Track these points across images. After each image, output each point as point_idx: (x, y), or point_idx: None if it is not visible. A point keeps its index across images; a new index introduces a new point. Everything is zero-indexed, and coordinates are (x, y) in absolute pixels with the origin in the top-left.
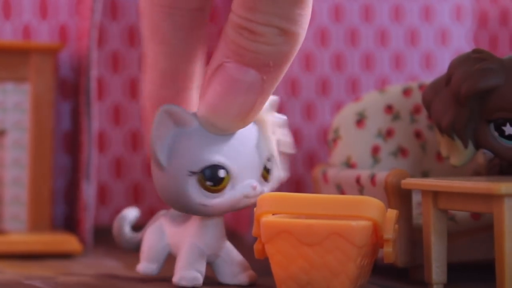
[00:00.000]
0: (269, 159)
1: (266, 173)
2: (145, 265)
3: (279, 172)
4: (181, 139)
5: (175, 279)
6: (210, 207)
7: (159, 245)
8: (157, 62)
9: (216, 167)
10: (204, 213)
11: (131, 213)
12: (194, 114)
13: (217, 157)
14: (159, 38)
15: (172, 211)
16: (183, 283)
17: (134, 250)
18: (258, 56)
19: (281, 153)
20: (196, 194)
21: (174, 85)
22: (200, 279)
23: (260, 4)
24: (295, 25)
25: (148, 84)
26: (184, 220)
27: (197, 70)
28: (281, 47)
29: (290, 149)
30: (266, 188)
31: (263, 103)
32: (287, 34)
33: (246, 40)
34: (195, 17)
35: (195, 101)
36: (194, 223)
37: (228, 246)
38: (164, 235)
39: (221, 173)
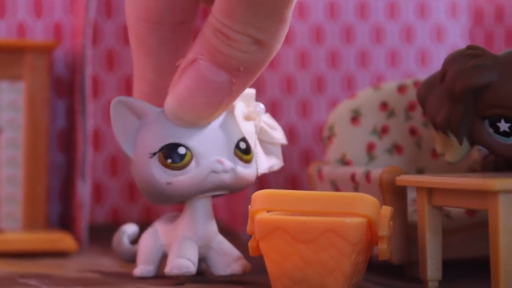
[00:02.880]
0: (242, 140)
1: (241, 153)
2: (142, 268)
3: (271, 161)
4: (142, 129)
5: (167, 269)
6: (175, 184)
7: (154, 246)
8: (145, 73)
9: (174, 145)
10: (173, 193)
11: (131, 228)
12: (153, 107)
13: (176, 137)
14: (145, 51)
15: (168, 215)
16: (175, 271)
17: (132, 261)
18: (231, 60)
19: (271, 143)
20: (160, 174)
21: (161, 96)
22: (191, 266)
23: (237, 13)
24: (270, 37)
25: (137, 94)
26: (176, 218)
27: None
28: (253, 55)
29: (279, 139)
30: (247, 169)
31: (229, 103)
32: (261, 44)
33: (220, 43)
34: (179, 31)
35: None
36: (183, 217)
37: (220, 238)
38: (158, 237)
39: (181, 150)
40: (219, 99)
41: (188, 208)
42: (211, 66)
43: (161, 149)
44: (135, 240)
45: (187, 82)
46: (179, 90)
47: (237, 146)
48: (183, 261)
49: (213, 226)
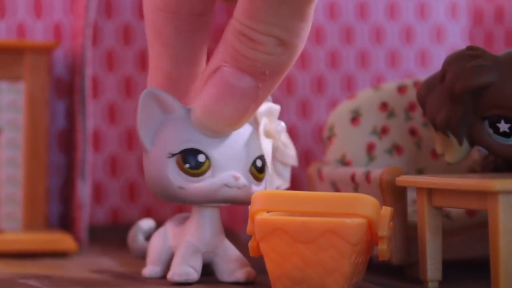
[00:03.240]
0: (259, 158)
1: (256, 171)
2: (150, 268)
3: (278, 181)
4: (166, 125)
5: (169, 275)
6: (187, 190)
7: (163, 247)
8: (161, 64)
9: (195, 151)
10: (183, 198)
11: (147, 224)
12: (184, 106)
13: (198, 142)
14: (161, 41)
15: (179, 215)
16: (176, 278)
17: (144, 258)
18: (256, 63)
19: (282, 163)
20: (175, 176)
21: (177, 87)
22: (193, 274)
23: (262, 13)
24: (295, 37)
25: (152, 83)
26: (185, 220)
27: (200, 73)
28: (279, 57)
29: (292, 160)
30: (257, 187)
31: (256, 109)
32: (286, 45)
33: (245, 47)
34: (197, 22)
35: None
36: (191, 221)
37: (226, 243)
38: (167, 238)
39: (201, 158)
40: (245, 105)
41: (196, 214)
42: (236, 72)
43: (181, 152)
44: (150, 236)
45: (211, 90)
46: (204, 99)
47: (254, 163)
48: (186, 268)
49: (220, 232)
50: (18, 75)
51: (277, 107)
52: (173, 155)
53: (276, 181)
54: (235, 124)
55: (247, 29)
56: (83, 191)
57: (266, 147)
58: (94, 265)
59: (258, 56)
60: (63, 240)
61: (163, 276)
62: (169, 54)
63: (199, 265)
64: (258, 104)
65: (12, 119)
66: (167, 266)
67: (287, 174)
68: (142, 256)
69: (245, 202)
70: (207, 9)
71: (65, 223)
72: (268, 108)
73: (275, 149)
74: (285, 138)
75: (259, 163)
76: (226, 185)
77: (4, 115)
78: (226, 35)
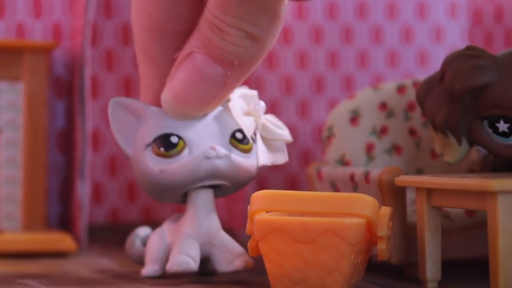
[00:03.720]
0: (238, 131)
1: (237, 142)
2: (149, 267)
3: (275, 156)
4: (139, 127)
5: (167, 266)
6: (168, 172)
7: (160, 246)
8: (149, 81)
9: (167, 135)
10: (167, 181)
11: (144, 231)
12: (148, 106)
13: (168, 127)
14: (149, 60)
15: (175, 215)
16: (174, 268)
17: (142, 262)
18: (225, 53)
19: (276, 140)
20: (153, 163)
21: None
22: (191, 263)
23: (231, 7)
24: (263, 32)
25: (144, 101)
26: (181, 218)
27: None
28: (247, 50)
29: (283, 136)
30: (246, 159)
31: (224, 96)
32: (254, 39)
33: (215, 36)
34: (182, 40)
35: None
36: (186, 215)
37: (223, 234)
38: (164, 236)
39: (173, 139)
40: (213, 92)
41: (189, 204)
42: (206, 59)
43: (154, 140)
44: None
45: (182, 75)
46: (175, 82)
47: (233, 135)
48: (183, 258)
49: (216, 222)
50: (18, 75)
51: (253, 92)
52: (148, 145)
53: (273, 155)
54: (202, 109)
55: (218, 20)
56: (83, 191)
57: (246, 122)
58: (94, 265)
59: (227, 46)
60: (62, 240)
61: (162, 275)
62: (157, 72)
63: (197, 255)
64: (226, 92)
65: (11, 119)
66: (166, 264)
67: (283, 148)
68: (140, 262)
69: (234, 176)
70: (192, 26)
71: (65, 223)
72: (242, 93)
73: (263, 129)
74: (272, 118)
75: (239, 135)
76: (206, 157)
77: (4, 115)
78: (200, 24)
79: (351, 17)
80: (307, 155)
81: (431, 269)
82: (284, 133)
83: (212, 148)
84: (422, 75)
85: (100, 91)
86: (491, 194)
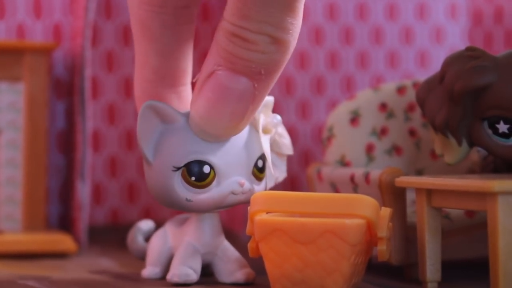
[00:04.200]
0: (260, 158)
1: (257, 172)
2: (150, 269)
3: (276, 172)
4: (167, 135)
5: (168, 276)
6: (195, 202)
7: (163, 248)
8: (148, 60)
9: (200, 163)
10: (190, 209)
11: (146, 225)
12: (183, 113)
13: (201, 153)
14: (148, 36)
15: (178, 216)
16: (175, 279)
17: (144, 258)
18: (250, 64)
19: (279, 154)
20: (181, 189)
21: (166, 82)
22: (192, 275)
23: (253, 12)
24: (287, 34)
25: (140, 82)
26: (185, 221)
27: (188, 66)
28: (273, 56)
29: (288, 150)
30: (258, 186)
31: (254, 110)
32: (279, 43)
33: (238, 48)
34: (182, 15)
35: (187, 97)
36: (191, 222)
37: (225, 244)
38: (167, 239)
39: (206, 169)
40: (243, 107)
41: (195, 215)
42: (231, 75)
43: (185, 165)
44: (149, 237)
45: (208, 96)
46: (201, 105)
47: (255, 164)
48: (185, 269)
49: (220, 233)
50: (18, 75)
51: (270, 99)
52: (178, 168)
53: (275, 173)
54: (235, 127)
55: (239, 29)
56: (83, 191)
57: (266, 145)
58: (94, 265)
59: (252, 56)
60: (62, 241)
61: (163, 277)
62: (156, 49)
63: (198, 266)
64: (256, 105)
65: (11, 120)
66: (167, 267)
67: (284, 165)
68: (141, 257)
69: (246, 203)
70: (192, 2)
71: (65, 223)
72: (263, 103)
73: (272, 142)
74: (281, 129)
75: (260, 163)
76: (232, 193)
77: (4, 115)
78: (218, 38)
79: (351, 17)
80: (307, 156)
81: (431, 270)
82: (288, 146)
83: (240, 184)
84: (422, 76)
85: (101, 91)
86: (491, 195)
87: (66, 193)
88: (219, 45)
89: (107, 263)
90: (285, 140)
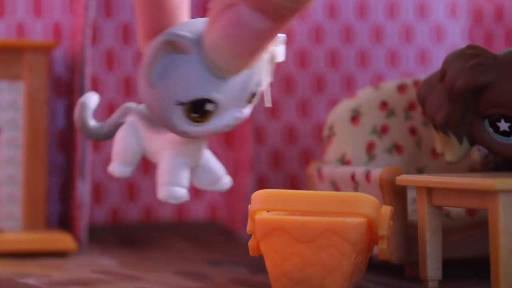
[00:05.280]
0: (257, 84)
1: (251, 97)
2: (120, 168)
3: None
4: (176, 64)
5: (162, 195)
6: (191, 134)
7: (135, 148)
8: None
9: (205, 101)
10: (183, 136)
11: (93, 100)
12: (195, 41)
13: (209, 91)
14: None
15: (143, 109)
16: (172, 201)
17: (98, 139)
18: (279, 8)
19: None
20: (180, 122)
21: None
22: (186, 195)
23: None
24: None
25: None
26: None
27: None
28: (303, 2)
29: (278, 56)
30: (247, 109)
31: (267, 48)
32: None
33: None
34: None
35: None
36: (174, 136)
37: (207, 154)
38: (139, 138)
39: (209, 106)
40: (260, 45)
41: None
42: (255, 14)
43: (190, 103)
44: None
45: (227, 31)
46: (218, 39)
47: (251, 92)
48: (179, 191)
49: (204, 146)
50: (18, 74)
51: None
52: (181, 104)
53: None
54: (250, 63)
55: None
56: (83, 190)
57: (267, 71)
58: (94, 265)
59: (284, 2)
60: (62, 240)
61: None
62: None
63: (188, 183)
64: (270, 43)
65: (11, 119)
66: (136, 167)
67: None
68: (92, 137)
69: None
70: None
71: (65, 222)
72: None
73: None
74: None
75: (255, 90)
76: (227, 126)
77: (4, 114)
78: None
79: (352, 16)
80: (307, 155)
81: (432, 268)
82: (281, 53)
83: (237, 118)
84: (422, 75)
85: (100, 90)
86: (492, 193)
87: (66, 192)
88: None
89: (107, 262)
90: (280, 49)
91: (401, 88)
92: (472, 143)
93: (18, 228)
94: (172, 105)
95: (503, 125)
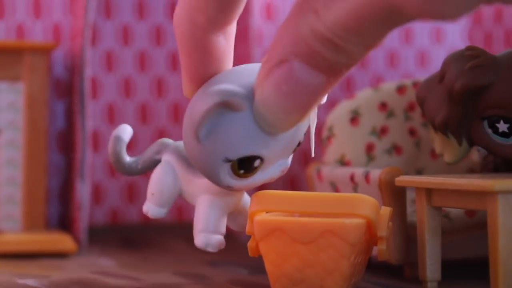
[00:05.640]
0: (304, 133)
1: (296, 147)
2: (155, 209)
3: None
4: (226, 121)
5: (199, 242)
6: (235, 188)
7: (172, 189)
8: (207, 8)
9: (252, 158)
10: (228, 189)
11: (127, 133)
12: (247, 96)
13: (258, 148)
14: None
15: (180, 146)
16: (210, 249)
17: (132, 175)
18: (335, 65)
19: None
20: (226, 177)
21: (218, 26)
22: (223, 242)
23: (366, 30)
24: (377, 40)
25: (189, 24)
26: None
27: (240, 9)
28: (358, 58)
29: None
30: (290, 157)
31: (319, 103)
32: (370, 48)
33: (328, 51)
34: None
35: (233, 35)
36: None
37: (246, 198)
38: (176, 178)
39: (256, 163)
40: (314, 101)
41: None
42: (309, 70)
43: (237, 159)
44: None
45: (279, 87)
46: (270, 95)
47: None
48: (215, 238)
49: (243, 193)
50: (18, 75)
51: None
52: (229, 161)
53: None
54: (302, 120)
55: (338, 38)
56: (83, 191)
57: (312, 120)
58: (93, 265)
59: (340, 59)
60: (62, 241)
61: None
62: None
63: (225, 229)
64: (322, 99)
65: (11, 120)
66: (171, 207)
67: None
68: (127, 173)
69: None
70: None
71: (65, 223)
72: None
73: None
74: None
75: (300, 140)
76: (272, 178)
77: (4, 115)
78: (301, 30)
79: None
80: (306, 156)
81: (431, 269)
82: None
83: (283, 171)
84: (422, 76)
85: (100, 91)
86: (491, 194)
87: (66, 193)
88: (301, 38)
89: (106, 263)
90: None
91: (401, 89)
92: (471, 144)
93: (18, 229)
94: (220, 161)
95: (502, 126)
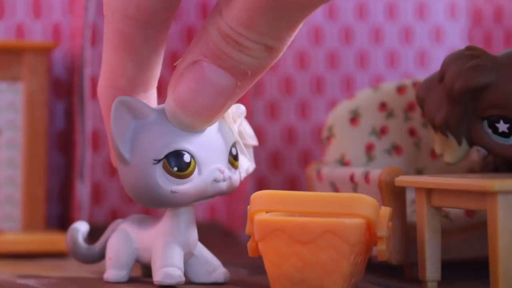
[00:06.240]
0: (233, 146)
1: (233, 159)
2: (115, 272)
3: (247, 163)
4: (141, 131)
5: (159, 277)
6: (180, 193)
7: (127, 250)
8: (125, 71)
9: (179, 152)
10: (175, 201)
11: (83, 226)
12: (154, 108)
13: (180, 143)
14: (128, 48)
15: (133, 216)
16: (168, 281)
17: (92, 262)
18: (240, 65)
19: (245, 145)
20: (164, 182)
21: (139, 89)
22: (182, 276)
23: (257, 24)
24: (282, 44)
25: (111, 89)
26: (152, 223)
27: (159, 71)
28: (263, 60)
29: (253, 140)
30: (235, 175)
31: (230, 106)
32: (272, 50)
33: (231, 49)
34: (165, 28)
35: (155, 100)
36: (165, 223)
37: (200, 245)
38: (131, 240)
39: (186, 158)
40: (222, 102)
41: (170, 213)
42: (217, 69)
43: (165, 156)
44: (87, 240)
45: (189, 85)
46: (181, 93)
47: (230, 152)
48: (175, 271)
49: (195, 233)
50: (17, 75)
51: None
52: (158, 161)
53: (245, 164)
54: (210, 120)
55: (238, 35)
56: (82, 191)
57: (235, 131)
58: (93, 266)
59: (244, 59)
60: (62, 241)
61: (129, 281)
62: (136, 61)
63: (182, 265)
64: (234, 101)
65: (11, 120)
66: (131, 270)
67: (251, 155)
68: (86, 261)
69: (227, 193)
70: (174, 13)
71: (64, 223)
72: None
73: (239, 134)
74: (244, 120)
75: (234, 151)
76: (215, 180)
77: (3, 115)
78: (210, 31)
79: (351, 17)
80: (306, 156)
81: (431, 269)
82: (254, 138)
83: (220, 171)
84: (421, 76)
85: None
86: (491, 194)
87: (65, 193)
88: (210, 38)
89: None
90: (249, 131)
91: (401, 89)
92: (471, 144)
93: (18, 229)
94: (150, 166)
95: (502, 126)
